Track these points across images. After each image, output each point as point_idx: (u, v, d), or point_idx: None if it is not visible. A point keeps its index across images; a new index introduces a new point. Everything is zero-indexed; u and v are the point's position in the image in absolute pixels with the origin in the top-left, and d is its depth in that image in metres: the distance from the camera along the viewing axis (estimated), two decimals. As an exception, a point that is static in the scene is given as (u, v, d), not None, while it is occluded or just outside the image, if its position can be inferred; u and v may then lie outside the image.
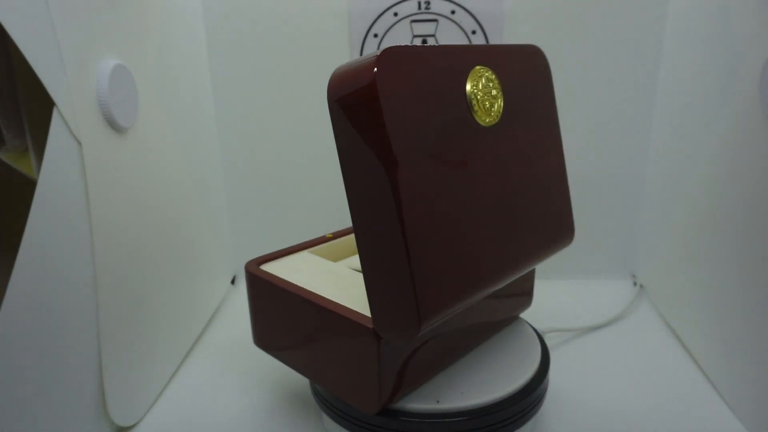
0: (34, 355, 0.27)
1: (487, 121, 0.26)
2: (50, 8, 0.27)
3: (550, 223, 0.30)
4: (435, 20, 0.47)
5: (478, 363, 0.31)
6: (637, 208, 0.52)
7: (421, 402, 0.28)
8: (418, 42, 0.48)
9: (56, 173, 0.28)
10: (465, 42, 0.48)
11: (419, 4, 0.47)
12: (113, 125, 0.32)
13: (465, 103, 0.25)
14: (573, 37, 0.47)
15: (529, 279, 0.36)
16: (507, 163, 0.27)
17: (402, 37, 0.48)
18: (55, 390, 0.28)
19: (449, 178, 0.24)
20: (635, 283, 0.52)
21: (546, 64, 0.30)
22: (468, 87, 0.25)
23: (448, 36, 0.48)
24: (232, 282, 0.56)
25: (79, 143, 0.29)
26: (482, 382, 0.29)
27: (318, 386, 0.31)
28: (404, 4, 0.47)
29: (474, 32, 0.48)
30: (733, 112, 0.36)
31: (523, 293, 0.35)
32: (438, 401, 0.28)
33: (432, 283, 0.23)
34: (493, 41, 0.48)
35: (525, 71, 0.29)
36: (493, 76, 0.26)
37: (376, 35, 0.48)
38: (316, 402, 0.32)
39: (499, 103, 0.26)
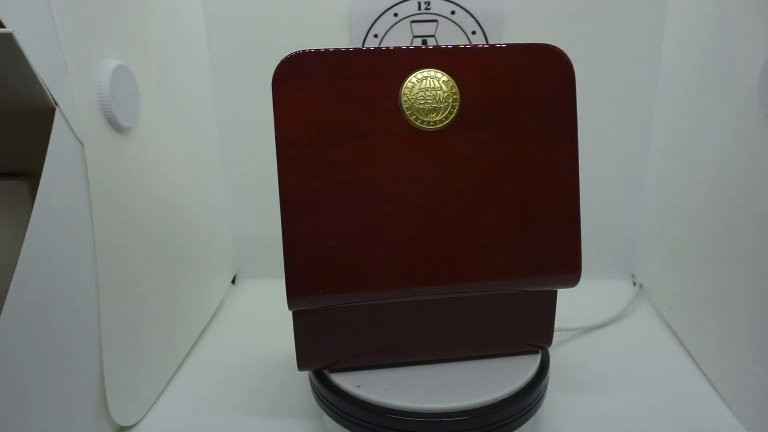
0: (36, 354, 0.27)
1: (426, 124, 0.26)
2: (52, 9, 0.27)
3: (527, 250, 0.27)
4: (435, 21, 0.48)
5: (478, 362, 0.31)
6: (637, 208, 0.52)
7: (421, 402, 0.28)
8: (418, 42, 0.48)
9: (58, 174, 0.28)
10: (464, 42, 0.48)
11: (419, 4, 0.47)
12: (115, 126, 0.32)
13: (396, 105, 0.25)
14: (572, 37, 0.47)
15: (530, 312, 0.30)
16: (455, 170, 0.26)
17: (402, 37, 0.48)
18: (56, 389, 0.28)
19: (350, 175, 0.25)
20: (635, 283, 0.52)
21: (561, 68, 0.27)
22: (403, 89, 0.25)
23: (448, 36, 0.48)
24: (233, 282, 0.56)
25: (81, 144, 0.29)
26: (482, 382, 0.29)
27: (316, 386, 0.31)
28: (404, 4, 0.47)
29: (474, 32, 0.48)
30: (732, 113, 0.37)
31: (523, 325, 0.31)
32: (358, 386, 0.29)
33: (306, 265, 0.26)
34: (493, 41, 0.48)
35: (516, 75, 0.27)
36: (446, 78, 0.26)
37: (376, 35, 0.48)
38: (316, 402, 0.32)
39: (447, 108, 0.26)
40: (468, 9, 0.47)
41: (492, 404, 0.28)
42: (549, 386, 0.32)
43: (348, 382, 0.30)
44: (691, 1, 0.43)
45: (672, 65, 0.46)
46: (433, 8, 0.47)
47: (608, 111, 0.49)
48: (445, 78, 0.26)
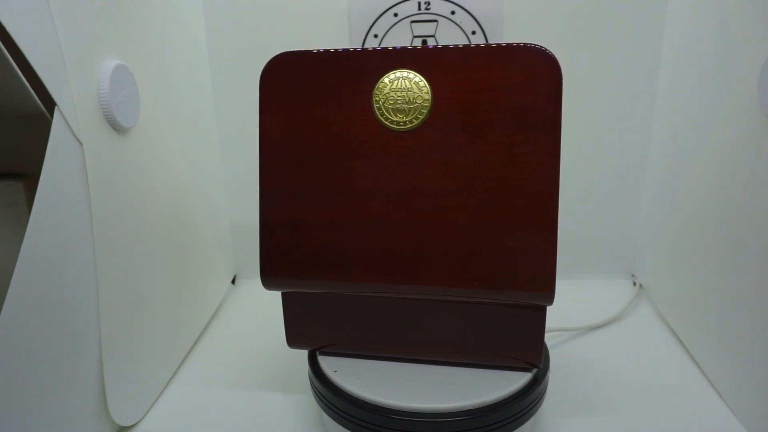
0: (36, 354, 0.27)
1: (395, 124, 0.26)
2: (51, 9, 0.27)
3: (494, 260, 0.26)
4: (435, 21, 0.48)
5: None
6: (637, 208, 0.52)
7: (421, 402, 0.28)
8: (418, 42, 0.48)
9: (57, 173, 0.28)
10: (464, 42, 0.48)
11: (419, 4, 0.47)
12: (114, 125, 0.32)
13: (369, 104, 0.26)
14: (573, 37, 0.47)
15: (516, 326, 0.29)
16: (423, 171, 0.26)
17: (402, 37, 0.48)
18: (56, 389, 0.28)
19: (323, 170, 0.27)
20: (635, 283, 0.52)
21: (545, 70, 0.25)
22: (375, 89, 0.26)
23: (448, 36, 0.48)
24: (233, 282, 0.56)
25: (81, 143, 0.29)
26: (483, 382, 0.29)
27: (318, 386, 0.31)
28: (404, 4, 0.47)
29: (474, 33, 0.48)
30: (732, 112, 0.37)
31: (510, 339, 0.29)
32: (335, 371, 0.30)
33: (279, 251, 0.28)
34: (493, 41, 0.48)
35: (494, 77, 0.25)
36: (418, 79, 0.26)
37: (376, 35, 0.48)
38: (316, 402, 0.32)
39: (418, 108, 0.26)
40: (468, 9, 0.47)
41: (492, 404, 0.28)
42: (549, 386, 0.32)
43: (349, 382, 0.30)
44: (691, 1, 0.43)
45: (672, 65, 0.46)
46: (433, 8, 0.47)
47: (608, 111, 0.49)
48: (417, 79, 0.26)
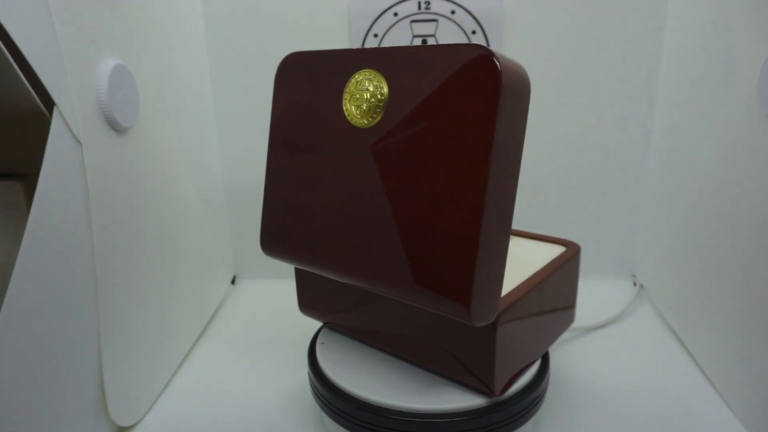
0: (35, 354, 0.27)
1: (357, 122, 0.27)
2: (51, 8, 0.27)
3: (420, 264, 0.25)
4: (435, 20, 0.48)
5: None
6: (637, 208, 0.52)
7: (420, 402, 0.28)
8: (418, 42, 0.48)
9: (56, 174, 0.28)
10: (464, 41, 0.48)
11: (419, 4, 0.47)
12: (114, 125, 0.32)
13: (341, 102, 0.27)
14: (573, 36, 0.47)
15: (466, 343, 0.28)
16: (372, 168, 0.26)
17: (402, 37, 0.48)
18: (55, 389, 0.28)
19: (304, 160, 0.29)
20: (635, 283, 0.52)
21: (481, 75, 0.23)
22: (345, 88, 0.27)
23: (448, 36, 0.48)
24: (233, 282, 0.56)
25: (80, 143, 0.29)
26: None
27: (318, 386, 0.31)
28: (404, 4, 0.47)
29: (474, 32, 0.48)
30: (732, 112, 0.37)
31: (462, 356, 0.28)
32: (323, 342, 0.34)
33: (272, 227, 0.31)
34: (493, 41, 0.48)
35: (441, 80, 0.24)
36: (377, 79, 0.26)
37: (376, 35, 0.48)
38: (316, 402, 0.32)
39: (373, 108, 0.26)
40: (468, 8, 0.47)
41: (492, 404, 0.28)
42: (549, 386, 0.32)
43: (349, 382, 0.30)
44: (691, 1, 0.43)
45: (672, 65, 0.46)
46: (433, 8, 0.47)
47: (608, 110, 0.49)
48: (376, 79, 0.26)
